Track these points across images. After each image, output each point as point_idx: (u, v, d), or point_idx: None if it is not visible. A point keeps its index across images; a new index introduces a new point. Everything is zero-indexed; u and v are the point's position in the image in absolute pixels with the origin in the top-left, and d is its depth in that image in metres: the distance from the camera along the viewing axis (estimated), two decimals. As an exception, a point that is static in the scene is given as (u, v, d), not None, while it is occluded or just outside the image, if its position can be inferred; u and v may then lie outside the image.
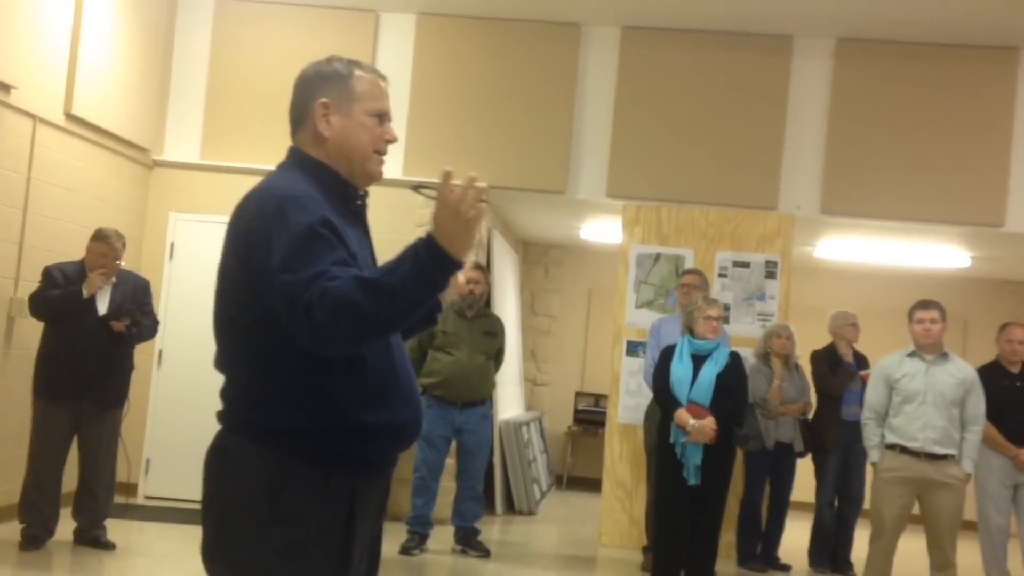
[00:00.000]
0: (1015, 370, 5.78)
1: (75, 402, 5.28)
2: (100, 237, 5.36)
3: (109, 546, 5.43)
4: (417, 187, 2.09)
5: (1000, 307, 9.85)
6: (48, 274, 5.33)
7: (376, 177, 2.18)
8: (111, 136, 6.71)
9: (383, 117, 2.17)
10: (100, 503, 5.45)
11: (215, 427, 2.15)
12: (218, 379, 2.15)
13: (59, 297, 5.24)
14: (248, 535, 1.98)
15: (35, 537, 5.26)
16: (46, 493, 5.28)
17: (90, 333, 5.26)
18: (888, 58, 7.11)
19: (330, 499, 2.00)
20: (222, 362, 2.10)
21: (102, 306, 5.34)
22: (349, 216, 2.11)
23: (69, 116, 6.20)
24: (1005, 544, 5.73)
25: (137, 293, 5.51)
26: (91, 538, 5.43)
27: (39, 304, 5.29)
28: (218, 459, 2.06)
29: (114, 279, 5.41)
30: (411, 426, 2.12)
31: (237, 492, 2.00)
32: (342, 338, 1.87)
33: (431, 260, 1.85)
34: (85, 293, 5.24)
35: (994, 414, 5.61)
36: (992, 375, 5.78)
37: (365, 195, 2.20)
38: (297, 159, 2.15)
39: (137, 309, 5.42)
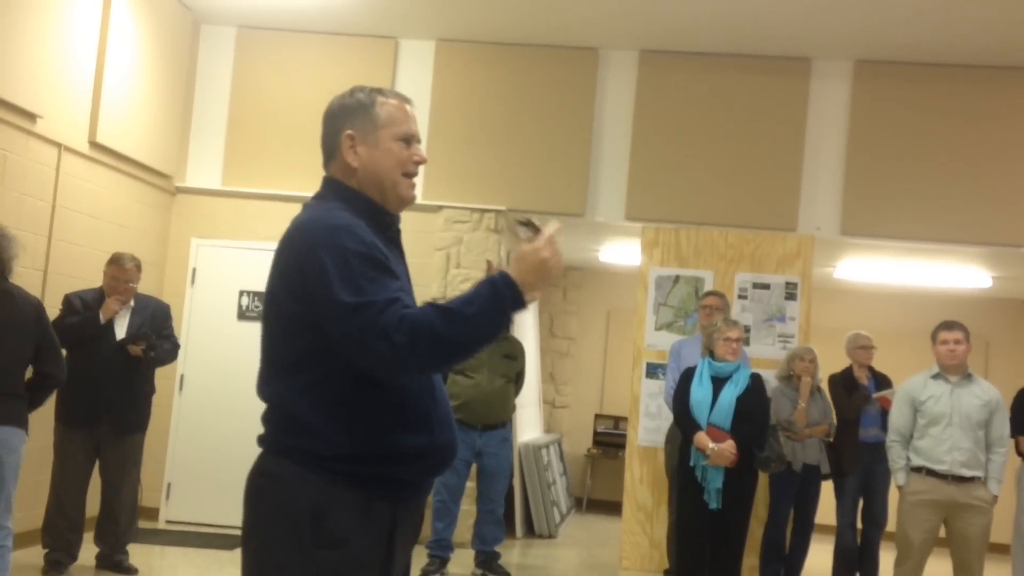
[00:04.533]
0: None
1: (95, 427, 5.31)
2: (113, 261, 5.43)
3: (131, 571, 5.44)
4: (521, 223, 2.12)
5: (1022, 327, 9.77)
6: (67, 302, 5.39)
7: (408, 200, 2.23)
8: (134, 163, 6.79)
9: (410, 140, 2.21)
10: (122, 528, 5.46)
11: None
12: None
13: (77, 324, 5.28)
14: (292, 558, 2.00)
15: (57, 562, 5.28)
16: (68, 518, 5.31)
17: (109, 358, 5.30)
18: (906, 79, 7.10)
19: (372, 522, 2.04)
20: (267, 388, 2.13)
21: (120, 331, 5.38)
22: (388, 244, 2.16)
23: (93, 144, 6.29)
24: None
25: (156, 317, 5.55)
26: (113, 563, 5.44)
27: (58, 331, 5.32)
28: (262, 482, 2.09)
29: (132, 303, 5.45)
30: (449, 449, 2.17)
31: (281, 515, 2.02)
32: (419, 362, 1.94)
33: (510, 298, 1.96)
34: (102, 319, 5.29)
35: None
36: None
37: (398, 220, 2.25)
38: (334, 189, 2.20)
39: (156, 333, 5.45)
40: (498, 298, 1.94)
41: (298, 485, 2.02)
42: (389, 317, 1.93)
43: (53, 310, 5.73)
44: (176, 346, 5.71)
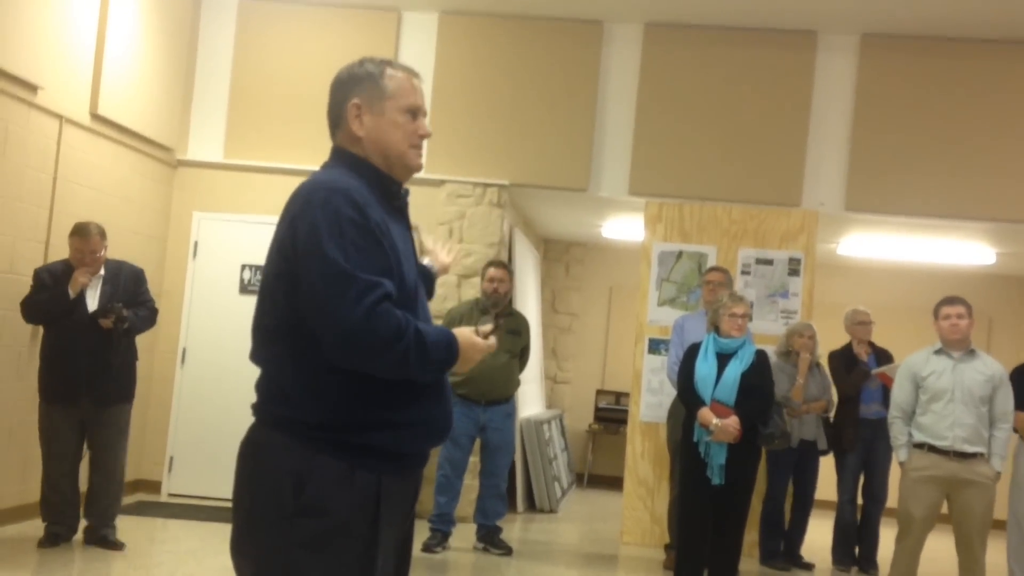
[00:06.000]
0: None
1: (76, 402, 5.23)
2: (77, 232, 5.26)
3: (118, 546, 5.35)
4: (485, 312, 2.26)
5: (1026, 304, 9.76)
6: (37, 277, 5.28)
7: (415, 168, 2.24)
8: (136, 136, 6.76)
9: (416, 113, 2.22)
10: (107, 502, 5.38)
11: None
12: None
13: (47, 300, 5.19)
14: (273, 526, 2.01)
15: (55, 535, 5.27)
16: (60, 492, 5.29)
17: (82, 332, 5.19)
18: (913, 53, 7.04)
19: (355, 493, 2.03)
20: (256, 356, 2.14)
21: (92, 302, 5.26)
22: (393, 212, 2.17)
23: (95, 116, 6.25)
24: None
25: (130, 283, 5.41)
26: (99, 537, 5.36)
27: (30, 309, 5.27)
28: (249, 451, 2.11)
29: (102, 273, 5.33)
30: (441, 422, 2.17)
31: (265, 484, 2.04)
32: (371, 352, 1.98)
33: (451, 362, 2.12)
34: (71, 294, 5.16)
35: None
36: None
37: (406, 193, 2.27)
38: (340, 157, 2.21)
39: (131, 300, 5.33)
40: (451, 356, 2.09)
41: (281, 453, 2.03)
42: (374, 297, 1.96)
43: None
44: (153, 312, 5.52)
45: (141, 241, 6.92)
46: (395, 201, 2.20)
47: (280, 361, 2.07)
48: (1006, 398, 5.15)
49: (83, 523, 5.46)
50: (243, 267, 7.26)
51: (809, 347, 6.36)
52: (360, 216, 2.02)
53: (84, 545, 5.41)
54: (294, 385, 2.04)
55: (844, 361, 6.63)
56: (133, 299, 5.39)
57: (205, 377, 7.18)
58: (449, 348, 2.08)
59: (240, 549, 2.09)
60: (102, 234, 5.31)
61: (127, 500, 5.86)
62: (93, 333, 5.20)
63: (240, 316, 7.01)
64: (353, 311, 1.94)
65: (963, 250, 8.51)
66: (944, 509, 5.21)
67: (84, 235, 5.23)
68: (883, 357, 6.68)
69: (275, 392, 2.07)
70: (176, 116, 7.25)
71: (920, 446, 5.16)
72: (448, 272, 2.61)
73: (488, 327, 2.23)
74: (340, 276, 1.96)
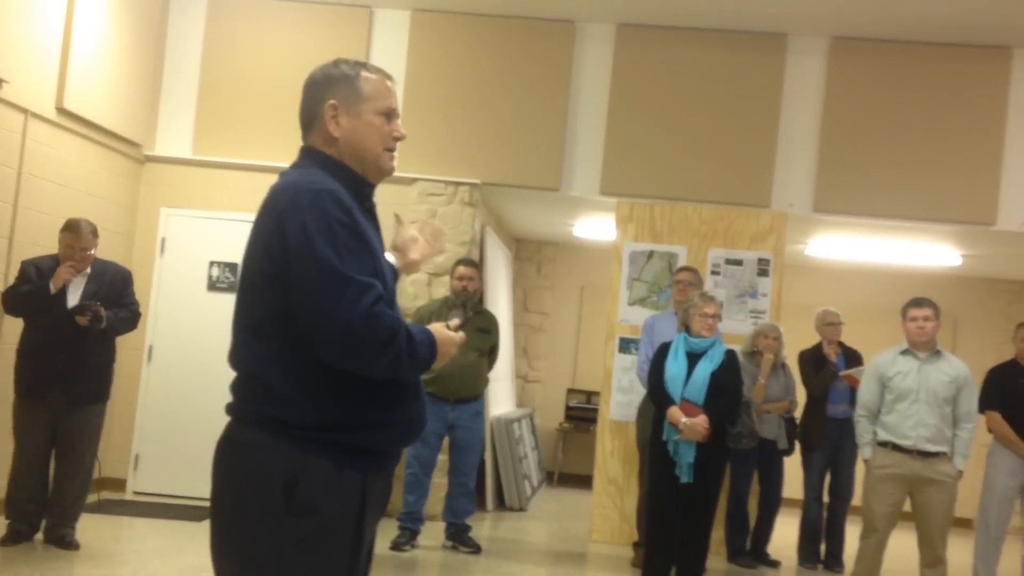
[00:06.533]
0: None
1: (47, 398, 5.18)
2: (69, 227, 5.23)
3: (74, 545, 5.26)
4: (455, 314, 2.26)
5: (991, 306, 9.90)
6: (22, 269, 5.25)
7: (388, 171, 2.25)
8: (103, 131, 6.68)
9: (391, 115, 2.23)
10: (68, 502, 5.31)
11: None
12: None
13: (27, 292, 5.15)
14: (263, 526, 2.01)
15: (17, 533, 5.21)
16: (25, 489, 5.22)
17: (58, 328, 5.14)
18: (881, 57, 7.12)
19: (343, 491, 2.05)
20: (238, 356, 2.12)
21: (74, 300, 5.21)
22: (365, 213, 2.18)
23: (61, 111, 6.18)
24: (1001, 543, 5.77)
25: (115, 284, 5.37)
26: (57, 537, 5.28)
27: (9, 300, 5.22)
28: (232, 451, 2.09)
29: (88, 271, 5.29)
30: (418, 420, 2.19)
31: (253, 484, 2.03)
32: (369, 353, 1.99)
33: (435, 358, 2.15)
34: (52, 288, 5.12)
35: (1009, 413, 5.69)
36: (1008, 374, 5.88)
37: (374, 193, 2.27)
38: (313, 157, 2.20)
39: (115, 300, 5.29)
40: (433, 357, 2.12)
41: (269, 453, 2.02)
42: (369, 298, 1.98)
43: (19, 279, 5.65)
44: (135, 315, 5.49)
45: (108, 237, 6.81)
46: (367, 203, 2.21)
47: (267, 361, 2.05)
48: (970, 399, 5.23)
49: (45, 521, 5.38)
50: (211, 264, 7.20)
51: (773, 348, 6.42)
52: (348, 218, 2.03)
53: (44, 544, 5.32)
54: (283, 385, 2.03)
55: (813, 361, 6.69)
56: (116, 300, 5.34)
57: (172, 375, 7.11)
58: (432, 346, 2.11)
59: (224, 550, 2.08)
60: (94, 232, 5.30)
61: (91, 498, 5.78)
62: (70, 330, 5.15)
63: (208, 313, 7.01)
64: (351, 313, 1.96)
65: (929, 252, 8.61)
66: (907, 507, 5.28)
67: (76, 231, 5.21)
68: (853, 358, 6.75)
69: (260, 392, 2.06)
70: (144, 111, 7.18)
71: (884, 444, 5.23)
72: (418, 271, 2.60)
73: (456, 321, 2.26)
74: (336, 278, 1.96)
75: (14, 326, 5.39)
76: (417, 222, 2.62)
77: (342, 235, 2.01)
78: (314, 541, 2.02)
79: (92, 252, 5.29)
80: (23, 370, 5.24)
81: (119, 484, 7.08)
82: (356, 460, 2.07)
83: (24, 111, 5.81)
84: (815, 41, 7.20)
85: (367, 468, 2.10)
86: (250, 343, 2.09)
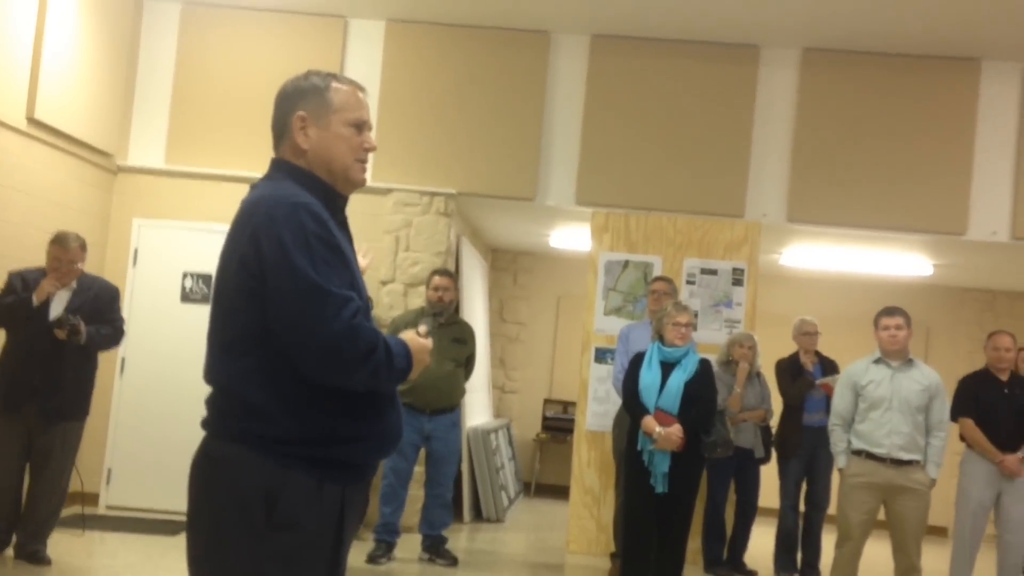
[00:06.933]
0: (1004, 377, 5.93)
1: (18, 410, 5.12)
2: (57, 240, 5.22)
3: (44, 561, 5.19)
4: (424, 325, 2.35)
5: (962, 314, 10.00)
6: (8, 279, 5.23)
7: (359, 183, 2.24)
8: (74, 141, 6.62)
9: (362, 127, 2.22)
10: (41, 519, 5.25)
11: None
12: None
13: (10, 304, 5.11)
14: (244, 542, 2.00)
15: None
16: None
17: (38, 341, 5.10)
18: (853, 68, 7.19)
19: (323, 504, 2.05)
20: (215, 371, 2.10)
21: (56, 313, 5.17)
22: (339, 226, 2.17)
23: (31, 121, 6.11)
24: (976, 551, 5.81)
25: (100, 300, 5.35)
26: (28, 552, 5.20)
27: None
28: (210, 467, 2.07)
29: (74, 285, 5.27)
30: (396, 432, 2.20)
31: (232, 499, 2.01)
32: (349, 366, 2.00)
33: (411, 367, 2.16)
34: (35, 301, 5.08)
35: (982, 420, 5.74)
36: (981, 382, 5.94)
37: (346, 204, 2.27)
38: (285, 170, 2.19)
39: (98, 316, 5.26)
40: (409, 367, 2.13)
41: (248, 469, 2.01)
42: (349, 312, 1.98)
43: (-11, 290, 5.58)
44: (119, 331, 5.46)
45: (79, 248, 6.76)
46: (339, 215, 2.20)
47: (244, 377, 2.04)
48: (942, 407, 5.27)
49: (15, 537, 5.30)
50: (185, 275, 7.14)
51: (748, 357, 6.46)
52: (324, 231, 2.03)
53: (14, 560, 5.23)
54: (260, 400, 2.02)
55: (790, 370, 6.72)
56: (100, 316, 5.29)
57: (145, 387, 7.03)
58: (407, 356, 2.12)
59: (202, 566, 2.06)
60: (82, 246, 5.27)
61: (64, 513, 5.70)
62: (48, 344, 5.11)
63: (182, 325, 6.95)
64: (331, 326, 1.96)
65: (901, 261, 8.70)
66: (882, 515, 5.31)
67: (63, 244, 5.19)
68: (829, 367, 6.79)
69: (238, 408, 2.04)
70: (116, 121, 7.12)
71: (858, 453, 5.26)
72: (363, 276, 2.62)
73: (425, 327, 2.27)
74: (315, 291, 1.96)
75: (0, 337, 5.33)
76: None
77: (319, 248, 2.00)
78: (295, 555, 2.01)
79: (79, 266, 5.27)
80: (1, 383, 5.17)
81: (92, 499, 6.99)
82: (335, 473, 2.07)
83: (-6, 121, 5.75)
84: (787, 53, 7.27)
85: (346, 481, 2.10)
86: (226, 359, 2.07)
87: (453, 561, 6.12)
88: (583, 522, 6.96)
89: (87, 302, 5.28)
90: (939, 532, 7.99)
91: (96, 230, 7.03)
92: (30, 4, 5.99)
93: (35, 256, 5.73)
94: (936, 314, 9.88)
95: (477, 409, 8.47)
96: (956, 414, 5.78)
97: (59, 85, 6.32)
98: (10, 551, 5.28)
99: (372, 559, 5.93)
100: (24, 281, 5.20)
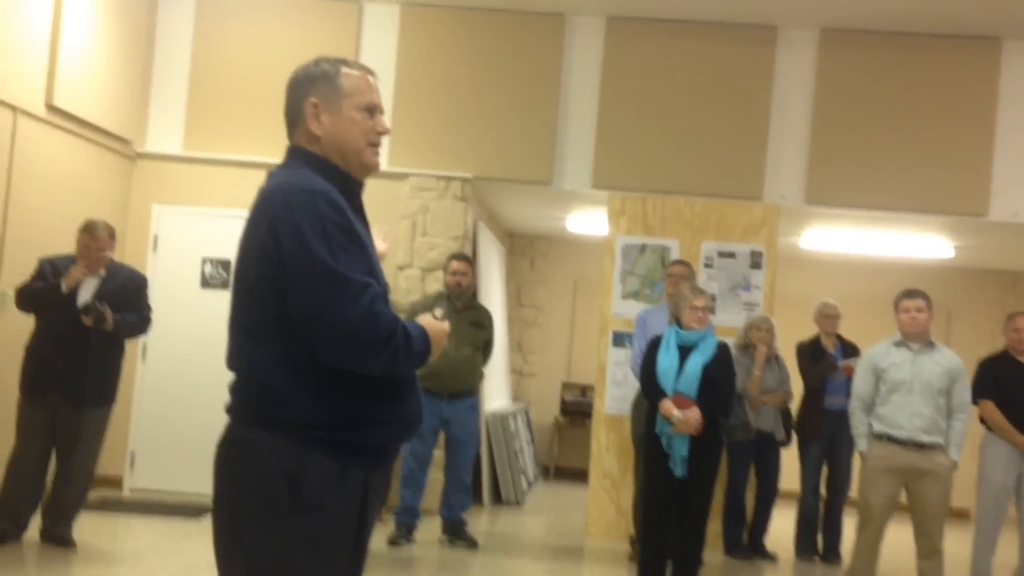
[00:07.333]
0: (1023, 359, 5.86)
1: (44, 396, 5.18)
2: (85, 228, 5.29)
3: (70, 544, 5.25)
4: (439, 307, 2.38)
5: (983, 296, 9.92)
6: (39, 266, 5.29)
7: (373, 167, 2.25)
8: (93, 128, 6.65)
9: (373, 110, 2.23)
10: (66, 504, 5.31)
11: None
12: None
13: (39, 290, 5.18)
14: (269, 525, 2.03)
15: (2, 531, 5.16)
16: (17, 488, 5.19)
17: (66, 327, 5.16)
18: (872, 48, 7.12)
19: (346, 488, 2.08)
20: (237, 357, 2.13)
21: (85, 300, 5.22)
22: (355, 211, 2.18)
23: (51, 108, 6.14)
24: (998, 533, 5.79)
25: (127, 288, 5.39)
26: (54, 535, 5.27)
27: (23, 296, 5.24)
28: (235, 451, 2.09)
29: (103, 272, 5.32)
30: (417, 415, 2.21)
31: (257, 483, 2.04)
32: (369, 351, 2.01)
33: (430, 351, 2.17)
34: (64, 288, 5.15)
35: (1003, 402, 5.70)
36: (1001, 364, 5.91)
37: (362, 190, 2.28)
38: (301, 157, 2.20)
39: (125, 304, 5.30)
40: (428, 350, 2.14)
41: (273, 453, 2.03)
42: (368, 297, 1.99)
43: (11, 276, 5.64)
44: (145, 320, 5.49)
45: (99, 235, 6.80)
46: (355, 201, 2.21)
47: (267, 362, 2.06)
48: (963, 390, 5.24)
49: (38, 520, 5.34)
50: (204, 260, 7.18)
51: (766, 340, 6.42)
52: (341, 217, 2.05)
53: (40, 543, 5.29)
54: (284, 385, 2.04)
55: (811, 353, 6.69)
56: (128, 304, 5.34)
57: (166, 372, 7.09)
58: (426, 340, 2.13)
59: (228, 550, 2.09)
60: (111, 234, 5.33)
61: (88, 497, 5.76)
62: (75, 330, 5.16)
63: (202, 310, 6.98)
64: (350, 312, 1.97)
65: (922, 243, 8.63)
66: (903, 499, 5.29)
67: (91, 232, 5.25)
68: (850, 350, 6.76)
69: (261, 393, 2.06)
70: (134, 108, 7.15)
71: (879, 436, 5.23)
72: (382, 261, 2.63)
73: (441, 311, 2.30)
74: (333, 278, 1.98)
75: (24, 322, 5.38)
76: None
77: (336, 235, 2.02)
78: (319, 539, 2.04)
79: (108, 253, 5.33)
80: (28, 368, 5.25)
81: (116, 482, 7.07)
82: (358, 457, 2.10)
83: (13, 109, 5.78)
84: (805, 33, 7.20)
85: (369, 465, 2.13)
86: (248, 345, 2.09)
87: (473, 544, 6.15)
88: (602, 506, 6.97)
89: (115, 290, 5.33)
90: (961, 515, 7.96)
91: (116, 216, 7.06)
92: (48, -8, 6.01)
93: (56, 242, 5.77)
94: (957, 296, 9.81)
95: (495, 393, 8.49)
96: (977, 396, 5.74)
97: (77, 72, 6.34)
98: (36, 534, 5.35)
99: (393, 542, 5.96)
100: (54, 267, 5.26)
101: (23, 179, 5.94)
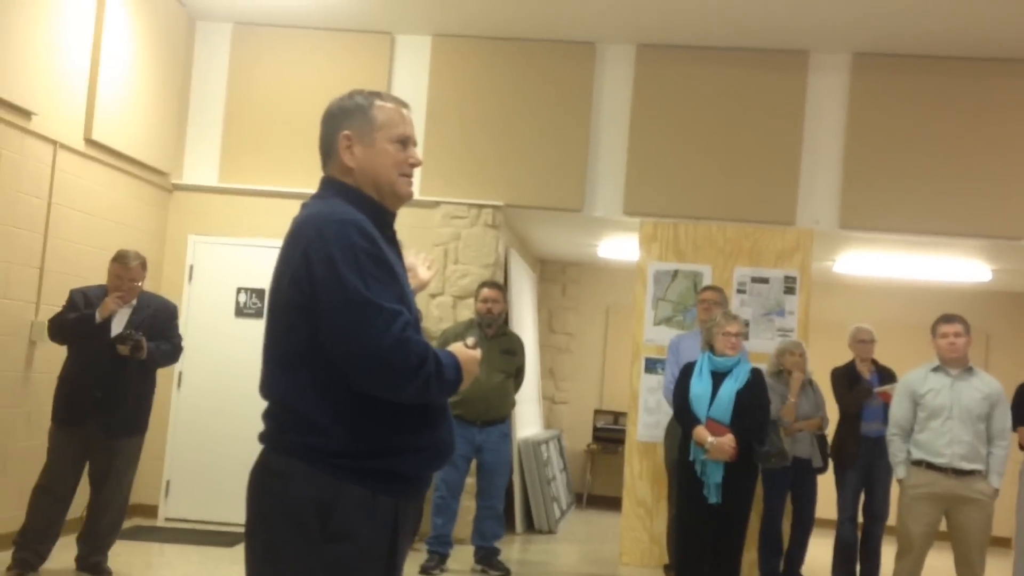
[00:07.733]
0: None
1: (82, 427, 5.20)
2: (117, 258, 5.34)
3: (105, 572, 5.29)
4: (470, 338, 2.40)
5: (1022, 320, 9.76)
6: (71, 297, 5.34)
7: (406, 197, 2.28)
8: (130, 160, 6.77)
9: (406, 142, 2.26)
10: (101, 533, 5.33)
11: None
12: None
13: (73, 320, 5.21)
14: (300, 553, 2.04)
15: (23, 561, 5.15)
16: (44, 517, 5.19)
17: (100, 357, 5.18)
18: (904, 72, 7.08)
19: (377, 516, 2.09)
20: (271, 386, 2.15)
21: (117, 330, 5.26)
22: (387, 241, 2.21)
23: (89, 141, 6.26)
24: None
25: (158, 317, 5.43)
26: (90, 564, 5.29)
27: (55, 327, 5.29)
28: (267, 479, 2.11)
29: (134, 302, 5.38)
30: (448, 444, 2.22)
31: (288, 511, 2.05)
32: (401, 379, 2.02)
33: (461, 379, 2.18)
34: (98, 317, 5.18)
35: None
36: None
37: (395, 220, 2.30)
38: (334, 188, 2.24)
39: (157, 333, 5.35)
40: (459, 379, 2.14)
41: (304, 482, 2.05)
42: (399, 326, 2.01)
43: (50, 307, 5.72)
44: (177, 348, 5.54)
45: (136, 265, 6.90)
46: (388, 231, 2.24)
47: (299, 390, 2.08)
48: (1004, 415, 5.15)
49: (75, 549, 5.37)
50: (239, 290, 7.26)
51: (800, 365, 6.33)
52: (373, 247, 2.07)
53: (76, 572, 5.31)
54: (315, 414, 2.06)
55: (847, 378, 6.61)
56: (160, 333, 5.38)
57: (202, 401, 7.15)
58: (457, 368, 2.14)
59: (260, 575, 2.11)
60: (142, 264, 5.37)
61: (123, 525, 5.80)
62: (110, 360, 5.19)
63: (236, 340, 7.05)
64: (382, 340, 1.99)
65: (959, 267, 8.52)
66: (943, 527, 5.19)
67: (123, 262, 5.29)
68: (886, 375, 6.66)
69: (294, 421, 2.09)
70: (171, 140, 7.27)
71: (918, 463, 5.15)
72: (425, 288, 2.65)
73: (473, 339, 2.31)
74: (366, 306, 2.00)
75: (58, 353, 5.45)
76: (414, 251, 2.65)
77: (368, 264, 2.04)
78: (349, 566, 2.05)
79: (140, 284, 5.36)
80: (61, 397, 5.28)
81: (151, 510, 7.12)
82: (389, 486, 2.10)
83: (53, 142, 5.90)
84: (837, 58, 7.18)
85: (400, 493, 2.13)
86: (281, 373, 2.12)
87: (506, 572, 6.12)
88: (636, 533, 6.91)
89: (146, 319, 5.37)
90: (1003, 543, 7.79)
91: (152, 247, 7.17)
92: (86, 27, 6.15)
93: (94, 274, 5.86)
94: (996, 320, 9.66)
95: (527, 420, 8.47)
96: (1016, 423, 5.64)
97: (115, 106, 6.47)
98: (72, 563, 5.39)
99: (425, 571, 5.95)
100: (86, 298, 5.30)
101: (62, 212, 6.05)
